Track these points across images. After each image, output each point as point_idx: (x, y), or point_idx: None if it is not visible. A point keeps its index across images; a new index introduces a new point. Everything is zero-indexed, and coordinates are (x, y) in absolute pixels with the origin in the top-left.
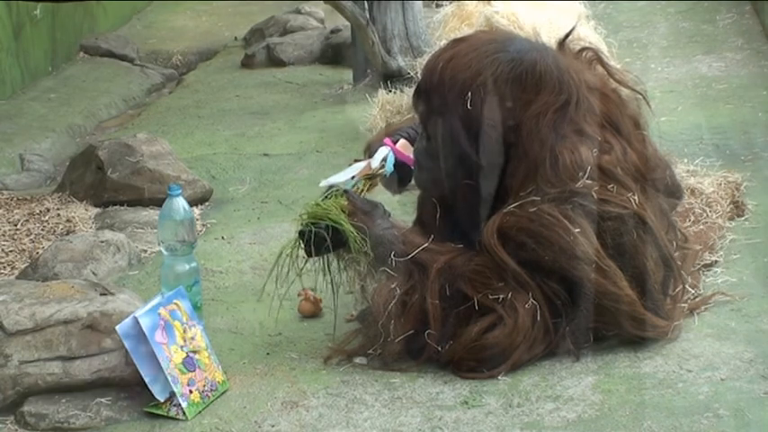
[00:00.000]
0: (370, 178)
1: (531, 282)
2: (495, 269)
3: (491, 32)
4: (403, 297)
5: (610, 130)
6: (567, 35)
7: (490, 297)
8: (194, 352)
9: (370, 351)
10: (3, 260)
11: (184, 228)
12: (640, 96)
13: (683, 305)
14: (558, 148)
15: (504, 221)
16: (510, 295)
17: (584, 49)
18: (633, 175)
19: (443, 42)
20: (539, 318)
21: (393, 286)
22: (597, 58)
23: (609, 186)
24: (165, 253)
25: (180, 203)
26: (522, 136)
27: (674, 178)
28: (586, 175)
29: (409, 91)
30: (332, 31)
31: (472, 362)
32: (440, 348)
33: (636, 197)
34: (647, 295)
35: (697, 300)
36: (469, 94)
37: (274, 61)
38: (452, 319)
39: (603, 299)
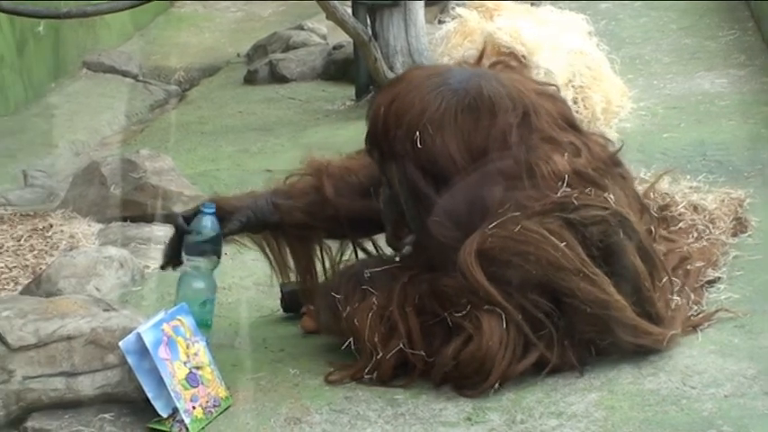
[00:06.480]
0: None
1: (504, 302)
2: (460, 288)
3: (427, 68)
4: (380, 312)
5: (570, 131)
6: (482, 53)
7: (455, 315)
8: (197, 368)
9: (367, 373)
10: (6, 276)
11: (211, 246)
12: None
13: (673, 314)
14: (533, 160)
15: (484, 243)
16: (470, 308)
17: (494, 63)
18: (602, 169)
19: (446, 59)
20: (506, 326)
21: (372, 301)
22: (506, 65)
23: (587, 190)
24: (188, 269)
25: (210, 221)
26: (493, 158)
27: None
28: (565, 184)
29: None
30: (335, 48)
31: (461, 379)
32: (428, 360)
33: (612, 196)
34: (639, 295)
35: (700, 316)
36: (417, 133)
37: (277, 77)
38: (437, 333)
39: (594, 307)
